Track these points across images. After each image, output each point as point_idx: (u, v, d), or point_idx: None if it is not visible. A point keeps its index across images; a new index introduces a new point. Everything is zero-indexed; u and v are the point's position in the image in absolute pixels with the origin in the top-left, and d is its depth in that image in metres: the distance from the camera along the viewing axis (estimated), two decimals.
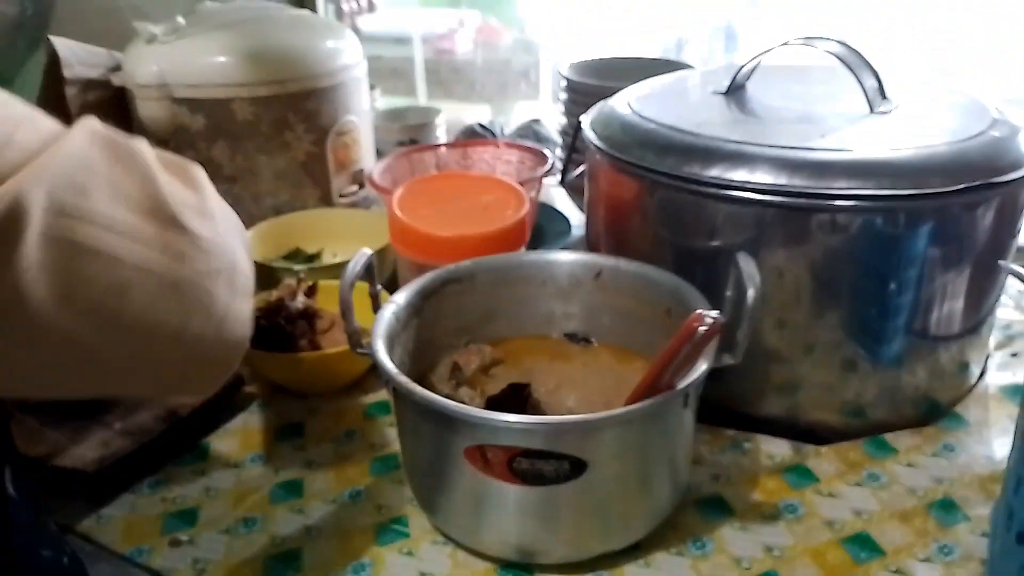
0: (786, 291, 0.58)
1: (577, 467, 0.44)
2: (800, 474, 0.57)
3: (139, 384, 0.41)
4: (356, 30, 2.63)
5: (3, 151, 0.30)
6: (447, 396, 0.57)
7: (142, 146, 0.37)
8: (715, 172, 0.56)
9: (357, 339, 0.53)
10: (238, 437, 0.64)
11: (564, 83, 0.96)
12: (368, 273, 0.55)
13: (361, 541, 0.53)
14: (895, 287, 0.58)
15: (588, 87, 0.92)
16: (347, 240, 0.86)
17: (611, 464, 0.46)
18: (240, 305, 0.40)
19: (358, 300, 0.53)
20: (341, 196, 0.92)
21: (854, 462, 0.58)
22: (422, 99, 2.31)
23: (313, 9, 1.22)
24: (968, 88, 0.69)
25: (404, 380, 0.47)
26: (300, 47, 0.85)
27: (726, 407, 0.63)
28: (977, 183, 0.54)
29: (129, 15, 0.92)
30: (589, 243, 0.73)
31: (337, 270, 0.78)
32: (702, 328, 0.40)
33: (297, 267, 0.73)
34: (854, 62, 0.64)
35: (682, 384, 0.45)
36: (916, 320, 0.60)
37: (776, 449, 0.60)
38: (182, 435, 0.62)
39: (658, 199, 0.61)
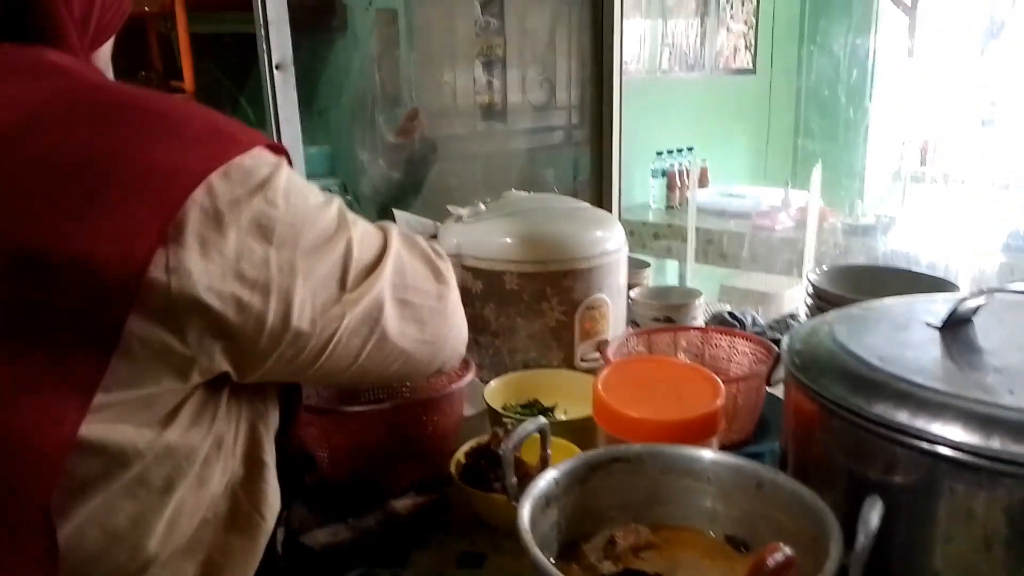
0: (971, 541, 0.53)
1: None
2: None
3: (416, 370, 0.64)
4: (685, 202, 2.80)
5: (362, 255, 0.54)
6: (590, 565, 0.62)
7: (420, 239, 0.63)
8: (901, 417, 0.54)
9: (514, 493, 0.60)
10: (433, 553, 0.74)
11: (809, 287, 0.97)
12: (542, 438, 0.63)
13: None
14: None
15: (828, 294, 0.92)
16: (581, 401, 0.94)
17: None
18: (463, 321, 0.67)
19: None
20: (583, 360, 1.02)
21: None
22: (690, 274, 2.40)
23: (609, 203, 1.39)
24: None
25: (527, 537, 0.53)
26: (564, 236, 1.00)
27: None
28: None
29: (458, 191, 1.15)
30: (782, 448, 0.73)
31: (559, 426, 0.87)
32: (770, 561, 0.41)
33: (507, 419, 0.84)
34: None
35: None
36: None
37: None
38: (392, 541, 0.75)
39: (838, 429, 0.60)
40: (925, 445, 0.52)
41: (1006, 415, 0.51)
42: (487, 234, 1.00)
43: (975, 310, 0.67)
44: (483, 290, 1.00)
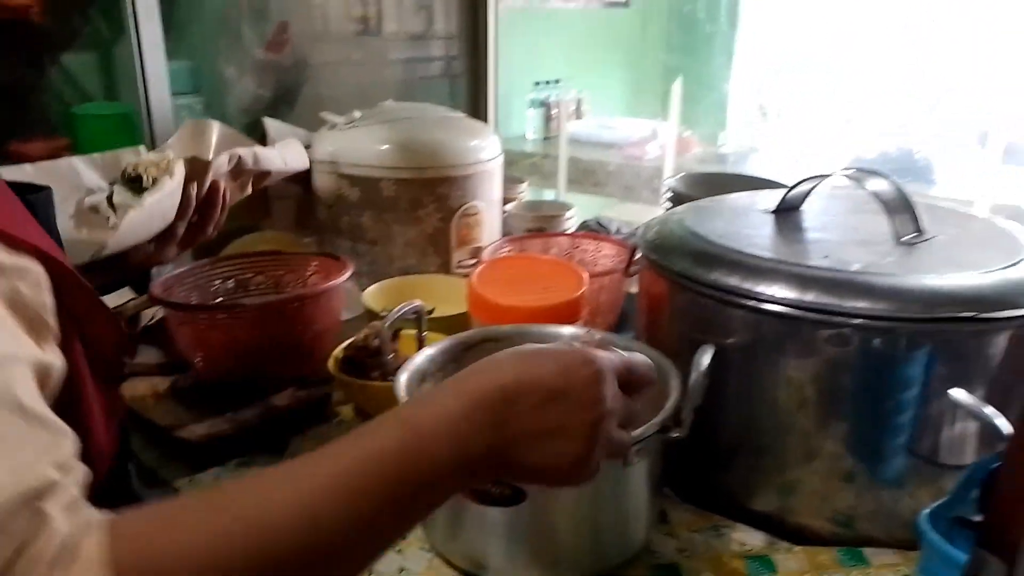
0: (792, 397, 0.62)
1: (517, 494, 0.51)
2: (763, 564, 0.59)
3: None
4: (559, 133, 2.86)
5: None
6: None
7: None
8: (733, 281, 0.62)
9: (390, 371, 0.64)
10: (315, 441, 0.77)
11: (669, 192, 1.05)
12: (417, 321, 0.67)
13: None
14: (892, 406, 0.59)
15: (684, 196, 1.00)
16: (458, 305, 0.98)
17: (548, 500, 0.52)
18: None
19: None
20: (459, 266, 1.07)
21: (821, 565, 0.59)
22: (563, 193, 2.50)
23: (484, 117, 1.41)
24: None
25: (402, 397, 0.57)
26: (440, 143, 1.02)
27: (723, 495, 0.66)
28: (969, 315, 0.55)
29: (332, 107, 1.14)
30: (637, 328, 0.80)
31: (437, 322, 0.91)
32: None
33: (384, 313, 0.87)
34: (891, 197, 0.67)
35: None
36: (920, 443, 0.60)
37: (751, 540, 0.62)
38: (273, 431, 0.77)
39: (682, 299, 0.67)
40: (752, 303, 0.60)
41: (819, 274, 0.59)
42: (363, 141, 1.01)
43: (804, 197, 0.76)
44: (360, 198, 1.02)
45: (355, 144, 1.01)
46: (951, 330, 0.56)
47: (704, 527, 0.63)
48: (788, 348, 0.60)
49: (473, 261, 1.08)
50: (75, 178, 0.86)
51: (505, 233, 1.22)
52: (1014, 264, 0.60)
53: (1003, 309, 0.56)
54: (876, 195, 0.67)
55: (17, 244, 0.40)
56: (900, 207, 0.66)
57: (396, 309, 0.65)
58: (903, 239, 0.65)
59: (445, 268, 1.06)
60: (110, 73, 1.62)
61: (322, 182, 1.03)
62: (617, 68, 3.41)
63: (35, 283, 0.40)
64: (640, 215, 2.90)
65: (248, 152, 0.79)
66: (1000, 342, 0.58)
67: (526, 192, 1.39)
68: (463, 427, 0.38)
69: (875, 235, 0.66)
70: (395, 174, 0.99)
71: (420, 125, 1.05)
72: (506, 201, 1.27)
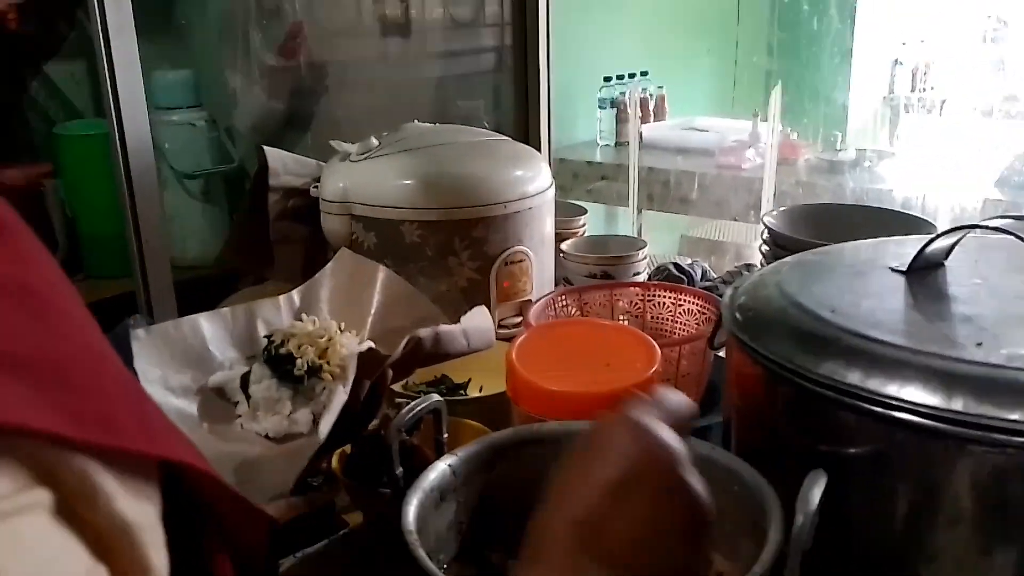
0: (940, 517, 0.54)
1: None
2: None
3: None
4: (637, 137, 2.82)
5: None
6: (493, 566, 0.62)
7: None
8: (852, 378, 0.54)
9: (401, 486, 0.60)
10: (315, 562, 0.73)
11: (765, 232, 0.98)
12: (436, 420, 0.63)
13: None
14: None
15: (787, 239, 0.93)
16: (499, 375, 0.94)
17: None
18: None
19: None
20: (502, 326, 1.02)
21: None
22: (644, 224, 2.42)
23: (537, 140, 1.38)
24: None
25: (411, 538, 0.53)
26: (476, 176, 0.98)
27: None
28: None
29: (352, 126, 1.12)
30: (724, 416, 0.74)
31: (469, 406, 0.86)
32: None
33: (402, 399, 0.83)
34: None
35: None
36: None
37: None
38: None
39: (783, 394, 0.61)
40: (879, 409, 0.53)
41: (971, 371, 0.52)
42: (381, 175, 0.98)
43: (947, 251, 0.69)
44: (377, 244, 0.98)
45: (371, 179, 0.98)
46: None
47: None
48: (928, 464, 0.53)
49: (519, 320, 1.03)
50: (197, 341, 0.83)
51: (562, 279, 1.17)
52: None
53: None
54: None
55: (146, 469, 0.33)
56: None
57: (407, 408, 0.61)
58: None
59: None
60: (99, 86, 1.64)
61: (332, 225, 1.00)
62: (705, 57, 3.34)
63: (160, 544, 0.33)
64: (739, 234, 2.81)
65: (429, 335, 0.73)
66: None
67: (587, 226, 1.34)
68: None
69: None
70: (419, 216, 0.96)
71: (450, 153, 1.02)
72: (562, 238, 1.22)
